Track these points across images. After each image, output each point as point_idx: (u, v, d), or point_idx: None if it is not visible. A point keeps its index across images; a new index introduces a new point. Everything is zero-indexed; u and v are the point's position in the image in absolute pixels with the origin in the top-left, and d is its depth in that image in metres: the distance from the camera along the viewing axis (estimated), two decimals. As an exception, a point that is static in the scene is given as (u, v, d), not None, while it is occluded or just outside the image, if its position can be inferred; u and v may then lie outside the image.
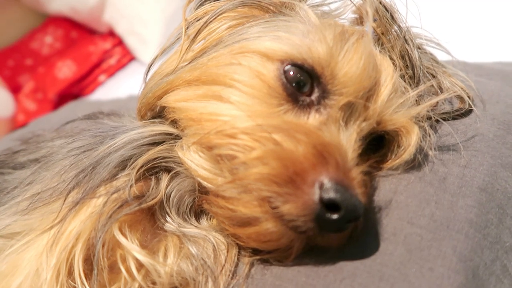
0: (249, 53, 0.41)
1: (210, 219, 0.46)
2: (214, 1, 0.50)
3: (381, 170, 0.41)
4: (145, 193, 0.44)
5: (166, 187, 0.44)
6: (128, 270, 0.40)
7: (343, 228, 0.35)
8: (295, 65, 0.39)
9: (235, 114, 0.40)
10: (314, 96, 0.39)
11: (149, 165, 0.44)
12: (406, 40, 0.44)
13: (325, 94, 0.39)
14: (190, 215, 0.46)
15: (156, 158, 0.45)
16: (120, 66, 1.48)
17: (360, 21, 0.48)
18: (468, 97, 0.47)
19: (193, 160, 0.43)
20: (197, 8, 0.51)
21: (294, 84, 0.39)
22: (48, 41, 1.57)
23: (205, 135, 0.40)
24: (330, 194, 0.33)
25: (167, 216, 0.44)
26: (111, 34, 1.52)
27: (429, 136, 0.40)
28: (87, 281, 0.39)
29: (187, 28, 0.50)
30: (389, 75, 0.41)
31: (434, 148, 0.40)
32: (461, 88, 0.47)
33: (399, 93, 0.41)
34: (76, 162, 0.46)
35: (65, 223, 0.42)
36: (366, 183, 0.37)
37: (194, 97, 0.43)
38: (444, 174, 0.39)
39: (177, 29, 0.51)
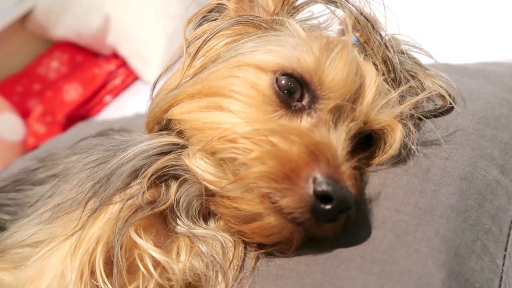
0: (244, 66, 0.46)
1: (217, 220, 0.50)
2: (211, 21, 0.55)
3: (371, 166, 0.46)
4: (157, 199, 0.48)
5: (176, 193, 0.48)
6: (146, 268, 0.44)
7: (336, 218, 0.39)
8: (286, 74, 0.44)
9: (234, 121, 0.44)
10: (305, 101, 0.44)
11: (159, 173, 0.48)
12: (387, 47, 0.48)
13: (314, 99, 0.44)
14: (199, 218, 0.50)
15: (165, 166, 0.49)
16: (124, 86, 1.54)
17: (344, 32, 0.53)
18: (449, 95, 0.51)
19: (199, 166, 0.47)
20: (196, 28, 0.56)
21: (286, 91, 0.44)
22: (55, 65, 1.64)
23: (208, 142, 0.44)
24: (323, 187, 0.37)
25: (178, 219, 0.48)
26: (115, 56, 1.58)
27: (412, 132, 0.44)
28: (108, 280, 0.43)
29: (188, 46, 0.55)
30: (372, 78, 0.46)
31: (418, 143, 0.44)
32: (442, 87, 0.51)
33: (383, 94, 0.46)
34: (92, 174, 0.51)
35: (85, 229, 0.46)
36: (356, 177, 0.41)
37: (197, 108, 0.48)
38: (427, 166, 0.43)
39: (179, 48, 0.56)
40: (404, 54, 0.54)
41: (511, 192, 0.44)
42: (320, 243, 0.41)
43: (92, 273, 0.44)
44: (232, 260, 0.45)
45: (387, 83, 0.48)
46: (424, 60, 0.55)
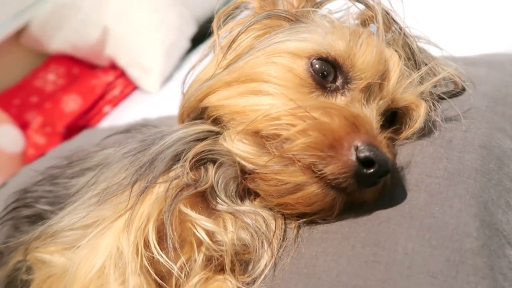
0: (280, 53, 0.51)
1: (252, 201, 0.54)
2: (239, 13, 0.61)
3: (397, 140, 0.51)
4: (198, 179, 0.52)
5: (214, 174, 0.53)
6: (199, 239, 0.48)
7: (377, 182, 0.44)
8: (320, 58, 0.49)
9: (274, 102, 0.49)
10: (338, 82, 0.49)
11: (198, 157, 0.53)
12: (405, 34, 0.54)
13: (347, 80, 0.49)
14: (236, 198, 0.54)
15: (203, 151, 0.53)
16: (123, 96, 1.57)
17: (363, 24, 0.59)
18: (461, 80, 0.57)
19: (238, 147, 0.51)
20: (222, 25, 0.61)
21: (320, 74, 0.49)
22: (51, 78, 1.66)
23: (251, 122, 0.49)
24: (365, 153, 0.42)
25: (218, 198, 0.52)
26: (112, 67, 1.62)
27: (435, 108, 0.50)
28: (162, 252, 0.47)
29: (214, 42, 0.60)
30: (395, 62, 0.51)
31: (440, 118, 0.50)
32: (453, 74, 0.57)
33: (406, 76, 0.52)
34: (135, 160, 0.55)
35: (135, 209, 0.49)
36: (390, 146, 0.47)
37: (236, 94, 0.53)
38: (450, 137, 0.49)
39: (210, 43, 0.61)
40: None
41: (523, 159, 0.50)
42: (359, 208, 0.46)
43: (146, 246, 0.48)
44: (275, 231, 0.50)
45: (407, 67, 0.53)
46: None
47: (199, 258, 0.49)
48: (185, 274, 0.49)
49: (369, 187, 0.44)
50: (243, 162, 0.51)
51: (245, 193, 0.54)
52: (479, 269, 0.37)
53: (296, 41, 0.51)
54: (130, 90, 1.58)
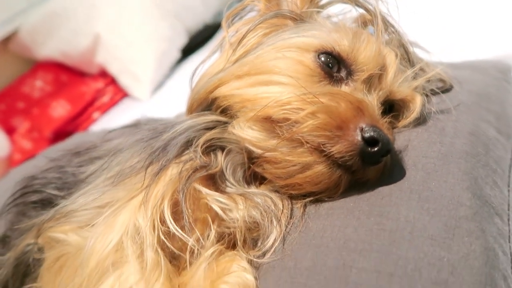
0: (289, 48, 0.56)
1: (257, 186, 0.58)
2: (246, 14, 0.66)
3: (396, 127, 0.56)
4: (209, 163, 0.56)
5: (223, 160, 0.57)
6: (212, 215, 0.51)
7: (379, 161, 0.49)
8: (326, 52, 0.55)
9: (285, 90, 0.54)
10: (342, 74, 0.55)
11: (208, 144, 0.57)
12: (400, 36, 0.61)
13: (350, 72, 0.55)
14: (243, 184, 0.58)
15: (213, 138, 0.57)
16: (113, 103, 1.60)
17: (362, 25, 0.65)
18: (448, 78, 0.64)
19: (248, 133, 0.56)
20: (231, 24, 0.67)
21: (326, 66, 0.55)
22: (39, 85, 1.68)
23: (263, 108, 0.53)
24: (370, 133, 0.47)
25: (227, 182, 0.56)
26: (102, 74, 1.65)
27: (429, 100, 0.56)
28: (178, 227, 0.51)
29: (223, 40, 0.65)
30: (392, 59, 0.57)
31: (433, 109, 0.56)
32: (442, 73, 0.64)
33: (401, 72, 0.58)
34: (147, 146, 0.58)
35: (150, 189, 0.53)
36: (389, 129, 0.52)
37: (246, 85, 0.57)
38: (442, 126, 0.55)
39: (220, 40, 0.66)
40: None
41: (505, 146, 0.56)
42: (362, 186, 0.50)
43: (162, 222, 0.51)
44: (282, 210, 0.54)
45: (402, 65, 0.60)
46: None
47: (212, 234, 0.52)
48: (197, 250, 0.52)
49: (372, 165, 0.49)
50: (251, 147, 0.56)
51: (251, 179, 0.58)
52: (473, 232, 0.43)
53: (303, 37, 0.57)
54: (119, 97, 1.61)
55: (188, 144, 0.57)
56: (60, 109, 1.54)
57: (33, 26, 1.65)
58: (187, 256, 0.51)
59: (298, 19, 0.62)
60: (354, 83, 0.54)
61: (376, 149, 0.47)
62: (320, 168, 0.50)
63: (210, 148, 0.57)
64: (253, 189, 0.56)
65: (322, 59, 0.55)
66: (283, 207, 0.54)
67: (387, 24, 0.61)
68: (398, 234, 0.44)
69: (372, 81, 0.55)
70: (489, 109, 0.60)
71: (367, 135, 0.48)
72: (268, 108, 0.53)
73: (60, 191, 0.63)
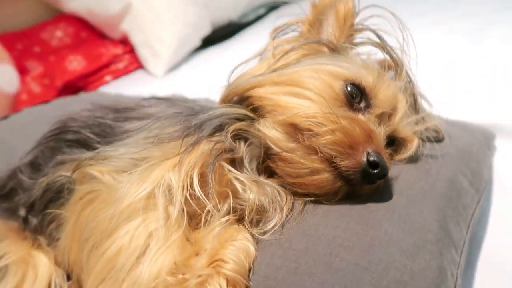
0: (323, 71, 0.68)
1: (266, 179, 0.70)
2: (289, 33, 0.78)
3: (392, 160, 0.69)
4: (234, 148, 0.67)
5: (244, 150, 0.68)
6: (232, 190, 0.62)
7: (375, 182, 0.61)
8: (353, 84, 0.67)
9: (312, 105, 0.66)
10: (362, 105, 0.67)
11: (235, 132, 0.68)
12: (414, 87, 0.74)
13: (368, 105, 0.67)
14: (256, 173, 0.69)
15: (240, 129, 0.69)
16: (126, 71, 1.69)
17: (385, 69, 0.78)
18: (442, 131, 0.77)
19: (271, 133, 0.67)
20: (275, 37, 0.79)
21: (350, 95, 0.67)
22: (59, 35, 1.76)
23: (292, 115, 0.65)
24: (374, 158, 0.60)
25: (244, 168, 0.68)
26: (122, 41, 1.74)
27: (423, 144, 0.69)
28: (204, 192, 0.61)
29: (265, 50, 0.77)
30: (403, 104, 0.70)
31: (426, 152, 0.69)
32: (439, 125, 0.77)
33: (407, 116, 0.71)
34: (186, 120, 0.69)
35: (185, 156, 0.64)
36: (388, 159, 0.65)
37: (281, 93, 0.69)
38: (429, 168, 0.68)
39: (264, 47, 0.78)
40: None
41: (473, 197, 0.70)
42: (356, 198, 0.63)
43: (190, 186, 0.62)
44: (286, 201, 0.66)
45: (409, 110, 0.73)
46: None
47: (226, 206, 0.63)
48: (211, 216, 0.63)
49: (369, 184, 0.61)
50: (272, 145, 0.67)
51: (262, 172, 0.70)
52: (433, 252, 0.56)
53: (337, 66, 0.69)
54: (133, 68, 1.70)
55: (220, 127, 0.68)
56: (75, 64, 1.62)
57: (68, -22, 1.72)
58: (203, 217, 0.62)
59: (334, 49, 0.75)
60: (369, 115, 0.67)
61: (375, 171, 0.60)
62: (326, 175, 0.62)
63: (236, 137, 0.69)
64: (264, 180, 0.68)
65: (349, 88, 0.67)
66: (286, 200, 0.66)
67: (406, 74, 0.74)
68: (377, 241, 0.56)
69: (383, 117, 0.68)
70: (467, 165, 0.74)
71: (371, 158, 0.60)
72: (296, 117, 0.65)
73: (96, 136, 0.73)
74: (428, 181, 0.65)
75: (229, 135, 0.67)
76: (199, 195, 0.61)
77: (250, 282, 0.56)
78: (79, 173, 0.67)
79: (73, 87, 1.60)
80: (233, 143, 0.66)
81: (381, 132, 0.66)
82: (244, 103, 0.73)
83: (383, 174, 0.61)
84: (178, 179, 0.61)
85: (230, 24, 1.87)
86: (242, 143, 0.68)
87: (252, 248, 0.59)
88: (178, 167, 0.62)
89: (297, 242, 0.59)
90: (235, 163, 0.68)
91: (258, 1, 2.01)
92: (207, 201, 0.61)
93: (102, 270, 0.58)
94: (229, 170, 0.64)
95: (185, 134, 0.66)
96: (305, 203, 0.66)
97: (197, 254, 0.57)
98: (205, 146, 0.65)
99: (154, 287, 0.54)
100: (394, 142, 0.71)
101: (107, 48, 1.70)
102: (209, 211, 0.62)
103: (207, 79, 1.21)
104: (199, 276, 0.53)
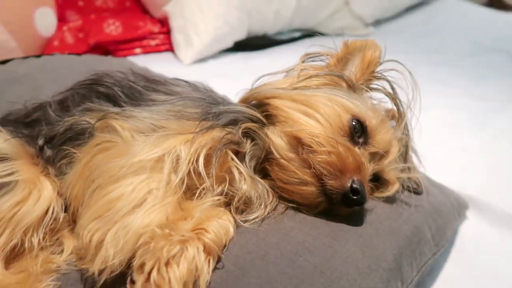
0: (337, 102, 0.79)
1: (260, 178, 0.79)
2: (317, 61, 0.89)
3: (372, 194, 0.79)
4: (242, 143, 0.77)
5: (249, 147, 0.78)
6: (230, 177, 0.72)
7: (352, 207, 0.71)
8: (359, 120, 0.77)
9: (319, 126, 0.76)
10: (360, 140, 0.77)
11: (245, 130, 0.78)
12: (409, 139, 0.84)
13: (366, 142, 0.77)
14: (252, 170, 0.79)
15: (250, 128, 0.79)
16: (156, 50, 1.79)
17: (389, 117, 0.88)
18: (422, 185, 0.87)
19: (276, 140, 0.77)
20: (304, 60, 0.89)
21: (353, 129, 0.77)
22: (104, -4, 1.86)
23: (299, 130, 0.75)
24: (357, 186, 0.69)
25: (244, 163, 0.77)
26: (161, 21, 1.84)
27: (402, 189, 0.79)
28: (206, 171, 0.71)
29: (292, 69, 0.88)
30: (395, 151, 0.81)
31: (402, 197, 0.79)
32: (421, 179, 0.88)
33: (396, 162, 0.81)
34: (206, 107, 0.79)
35: (198, 136, 0.73)
36: (369, 192, 0.74)
37: (295, 109, 0.79)
38: (401, 211, 0.78)
39: (292, 67, 0.88)
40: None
41: (431, 248, 0.80)
42: (332, 216, 0.72)
43: (195, 162, 0.71)
44: (271, 201, 0.75)
45: (398, 158, 0.83)
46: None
47: (219, 188, 0.73)
48: (204, 193, 0.72)
49: (346, 207, 0.71)
50: (274, 150, 0.77)
51: (258, 171, 0.79)
52: (382, 277, 0.65)
53: (350, 102, 0.79)
54: (164, 49, 1.81)
55: (234, 121, 0.78)
56: (112, 28, 1.72)
57: None
58: (198, 191, 0.71)
59: (352, 87, 0.85)
60: (364, 151, 0.77)
61: (355, 197, 0.69)
62: (313, 189, 0.72)
63: (245, 134, 0.78)
64: (258, 178, 0.77)
65: (354, 123, 0.77)
66: (272, 200, 0.76)
67: (405, 127, 0.85)
68: (339, 254, 0.66)
69: (375, 157, 0.78)
70: (435, 221, 0.84)
71: (355, 185, 0.70)
72: (302, 132, 0.75)
73: (125, 96, 0.83)
74: (397, 222, 0.75)
75: (240, 130, 0.76)
76: (201, 172, 0.70)
77: (222, 255, 0.64)
78: (103, 123, 0.76)
79: (102, 48, 1.70)
80: (241, 137, 0.76)
81: (369, 168, 0.76)
82: (261, 108, 0.83)
83: (361, 202, 0.70)
84: (187, 153, 0.71)
85: (265, 37, 1.98)
86: (248, 141, 0.78)
87: (231, 229, 0.68)
88: (190, 143, 0.72)
89: (271, 236, 0.68)
90: (238, 156, 0.77)
91: (297, 24, 2.13)
92: (207, 178, 0.70)
93: (100, 209, 0.66)
94: (232, 159, 0.74)
95: (203, 118, 0.76)
96: (287, 208, 0.75)
97: (185, 219, 0.66)
98: (217, 133, 0.75)
99: (142, 233, 0.63)
100: (378, 180, 0.81)
101: (145, 23, 1.81)
102: (204, 188, 0.72)
103: (229, 80, 1.31)
104: (183, 236, 0.62)
